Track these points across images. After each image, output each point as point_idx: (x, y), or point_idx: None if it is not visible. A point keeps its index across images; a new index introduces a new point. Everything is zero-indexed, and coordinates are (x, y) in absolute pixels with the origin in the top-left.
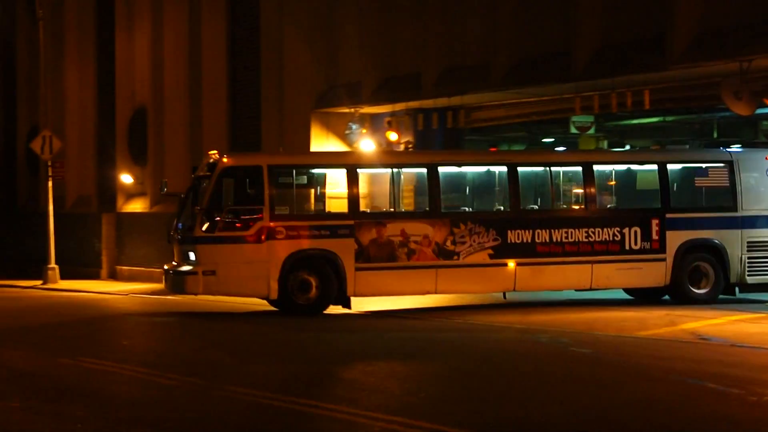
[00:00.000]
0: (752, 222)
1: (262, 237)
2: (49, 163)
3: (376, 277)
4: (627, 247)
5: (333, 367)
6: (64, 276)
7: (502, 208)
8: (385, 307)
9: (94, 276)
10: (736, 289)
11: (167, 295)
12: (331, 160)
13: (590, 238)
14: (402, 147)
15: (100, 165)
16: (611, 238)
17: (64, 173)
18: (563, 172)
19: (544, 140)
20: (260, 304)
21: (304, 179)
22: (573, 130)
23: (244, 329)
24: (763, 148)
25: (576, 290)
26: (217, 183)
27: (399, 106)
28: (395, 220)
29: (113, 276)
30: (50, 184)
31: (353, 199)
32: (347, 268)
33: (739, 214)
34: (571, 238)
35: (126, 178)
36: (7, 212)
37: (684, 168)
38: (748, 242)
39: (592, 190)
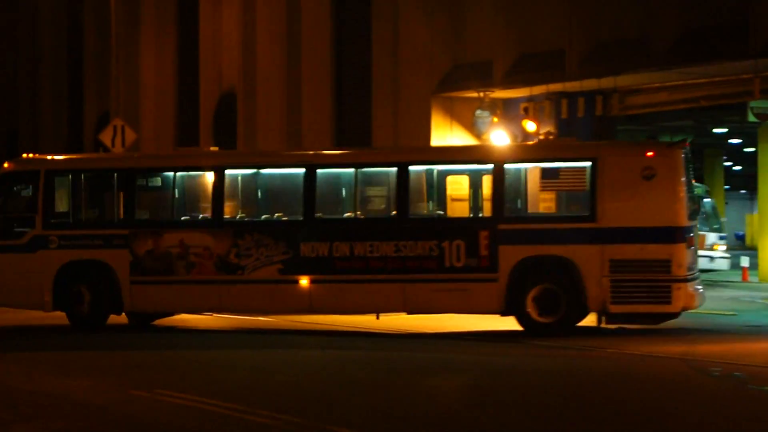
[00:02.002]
0: (618, 236)
1: (34, 246)
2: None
3: (153, 291)
4: (448, 264)
5: None
6: None
7: (295, 216)
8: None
9: None
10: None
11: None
12: (111, 164)
13: (401, 253)
14: (542, 137)
15: None
16: (428, 254)
17: None
18: (373, 173)
19: (715, 130)
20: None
21: (81, 185)
22: (751, 118)
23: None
24: (647, 143)
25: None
26: (0, 189)
27: (538, 90)
28: (173, 230)
29: None
30: None
31: (129, 207)
32: (122, 281)
33: (599, 225)
34: (378, 252)
35: None
36: None
37: (527, 168)
38: (611, 261)
39: (405, 195)
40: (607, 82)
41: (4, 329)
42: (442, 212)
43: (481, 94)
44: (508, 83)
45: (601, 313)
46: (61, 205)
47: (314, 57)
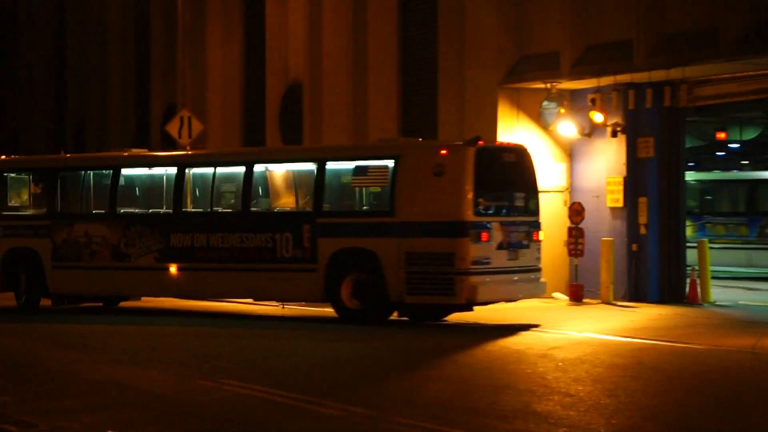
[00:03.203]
0: (412, 230)
1: None
2: (188, 149)
3: (69, 276)
4: (279, 256)
5: None
6: None
7: (167, 210)
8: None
9: None
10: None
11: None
12: (40, 164)
13: (243, 244)
14: (609, 129)
15: None
16: (264, 245)
17: None
18: (225, 172)
19: None
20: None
21: (21, 183)
22: None
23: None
24: (443, 143)
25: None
26: None
27: (605, 81)
28: (81, 221)
29: None
30: None
31: (51, 201)
32: (46, 266)
33: (396, 220)
34: (226, 243)
35: None
36: None
37: (342, 167)
38: (407, 254)
39: (248, 191)
40: (675, 73)
41: None
42: (277, 207)
43: (548, 86)
44: (575, 74)
45: (398, 305)
46: (7, 201)
47: (380, 49)
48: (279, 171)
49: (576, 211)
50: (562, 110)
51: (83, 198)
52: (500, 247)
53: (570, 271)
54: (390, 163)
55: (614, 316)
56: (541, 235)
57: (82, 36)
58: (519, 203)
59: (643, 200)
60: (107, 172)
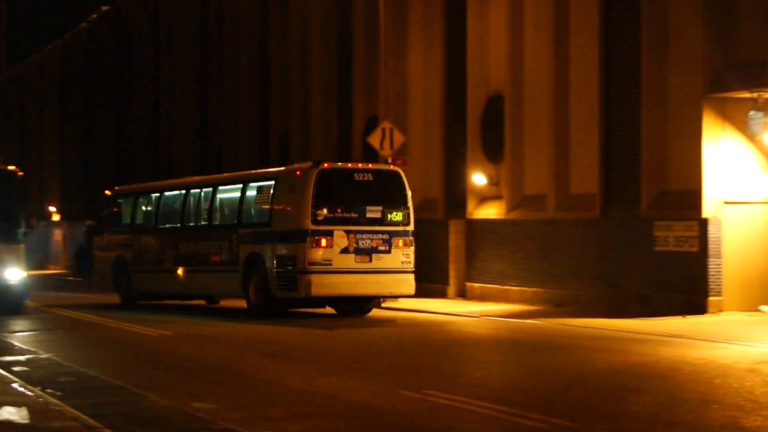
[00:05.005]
0: (278, 237)
1: None
2: (390, 160)
3: (141, 278)
4: (217, 260)
5: None
6: None
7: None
8: None
9: (440, 294)
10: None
11: (526, 319)
12: (134, 190)
13: (204, 251)
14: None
15: (448, 162)
16: (206, 251)
17: (407, 172)
18: (173, 195)
19: None
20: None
21: (125, 204)
22: None
23: (614, 363)
24: (312, 163)
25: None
26: None
27: None
28: (146, 234)
29: (462, 294)
30: None
31: (132, 218)
32: (130, 271)
33: (272, 229)
34: (180, 251)
35: (478, 179)
36: None
37: (250, 186)
38: (276, 257)
39: (197, 209)
40: None
41: None
42: (216, 222)
43: (755, 95)
44: None
45: (270, 298)
46: (120, 219)
47: (581, 60)
48: (218, 192)
49: None
50: None
51: (146, 215)
52: (345, 251)
53: None
54: (272, 183)
55: None
56: (408, 242)
57: (284, 50)
58: (373, 215)
59: None
60: (155, 195)
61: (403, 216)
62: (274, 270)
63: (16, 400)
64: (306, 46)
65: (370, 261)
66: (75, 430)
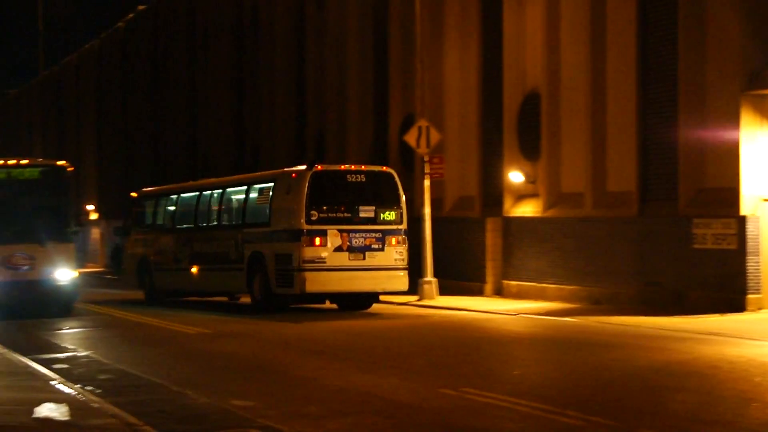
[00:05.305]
0: (277, 237)
1: None
2: (426, 159)
3: (161, 277)
4: (226, 258)
5: None
6: (443, 291)
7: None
8: None
9: (477, 292)
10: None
11: (563, 317)
12: (155, 192)
13: (215, 250)
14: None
15: (484, 160)
16: (214, 250)
17: (443, 170)
18: (189, 197)
19: None
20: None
21: (147, 206)
22: None
23: (653, 361)
24: (305, 166)
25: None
26: None
27: None
28: (163, 234)
29: (499, 292)
30: (427, 183)
31: (152, 219)
32: (152, 270)
33: (271, 229)
34: (191, 250)
35: (515, 176)
36: None
37: (253, 188)
38: (275, 255)
39: (207, 210)
40: None
41: None
42: (224, 222)
43: None
44: None
45: (270, 295)
46: (143, 220)
47: (618, 58)
48: (226, 194)
49: None
50: None
51: (165, 216)
52: (339, 249)
53: None
54: (271, 185)
55: None
56: (400, 241)
57: (320, 49)
58: (366, 215)
59: None
60: (172, 197)
61: (396, 215)
62: (274, 268)
63: (57, 398)
64: (342, 45)
65: (364, 259)
66: (115, 428)
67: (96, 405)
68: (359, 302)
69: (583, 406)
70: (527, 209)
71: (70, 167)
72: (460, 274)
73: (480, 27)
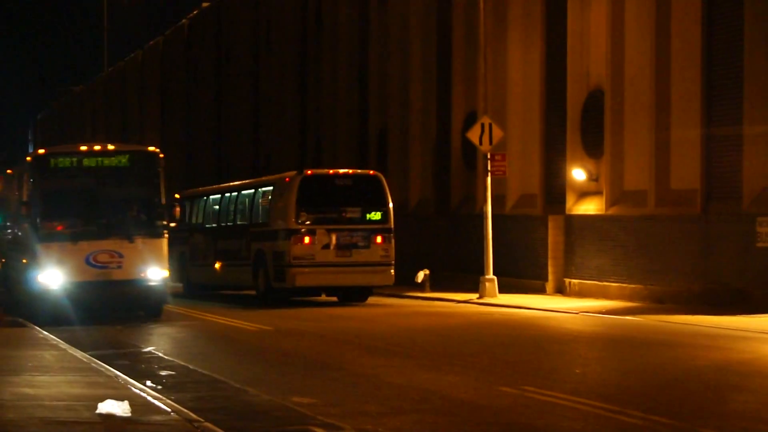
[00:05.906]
0: (275, 236)
1: None
2: (488, 156)
3: (195, 272)
4: (237, 254)
5: None
6: (503, 289)
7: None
8: None
9: (538, 290)
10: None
11: (625, 315)
12: (195, 192)
13: (230, 248)
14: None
15: (547, 158)
16: (228, 248)
17: (505, 168)
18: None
19: None
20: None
21: (190, 205)
22: None
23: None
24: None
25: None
26: None
27: None
28: (198, 232)
29: (560, 290)
30: (488, 180)
31: (189, 218)
32: (187, 264)
33: (270, 228)
34: (215, 247)
35: (578, 174)
36: (440, 213)
37: (259, 191)
38: (273, 252)
39: (226, 211)
40: None
41: None
42: (238, 222)
43: None
44: None
45: (269, 288)
46: (186, 218)
47: (683, 56)
48: (238, 196)
49: None
50: None
51: (198, 215)
52: (326, 247)
53: None
54: (271, 188)
55: None
56: (386, 239)
57: (383, 46)
58: (352, 215)
59: None
60: (203, 198)
61: (382, 215)
62: (272, 264)
63: (119, 394)
64: (405, 43)
65: (350, 256)
66: (176, 424)
67: (157, 401)
68: (354, 295)
69: (644, 405)
70: (589, 207)
71: (161, 154)
72: (521, 272)
73: (544, 24)
